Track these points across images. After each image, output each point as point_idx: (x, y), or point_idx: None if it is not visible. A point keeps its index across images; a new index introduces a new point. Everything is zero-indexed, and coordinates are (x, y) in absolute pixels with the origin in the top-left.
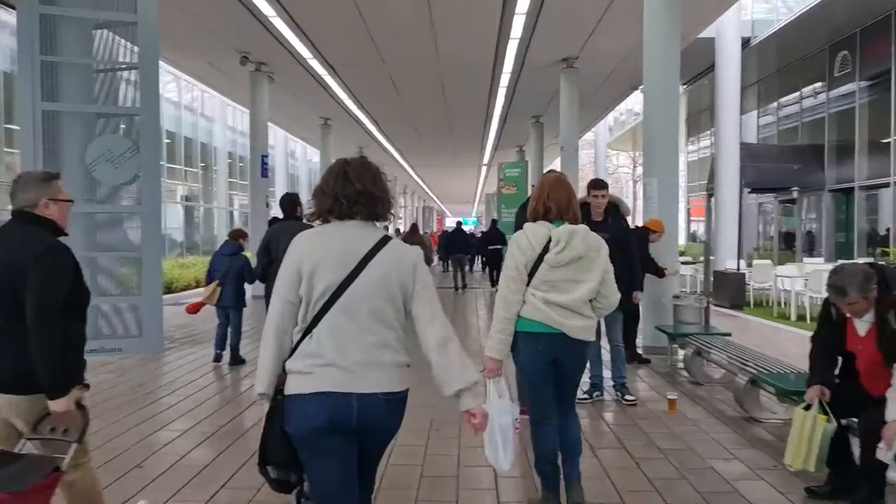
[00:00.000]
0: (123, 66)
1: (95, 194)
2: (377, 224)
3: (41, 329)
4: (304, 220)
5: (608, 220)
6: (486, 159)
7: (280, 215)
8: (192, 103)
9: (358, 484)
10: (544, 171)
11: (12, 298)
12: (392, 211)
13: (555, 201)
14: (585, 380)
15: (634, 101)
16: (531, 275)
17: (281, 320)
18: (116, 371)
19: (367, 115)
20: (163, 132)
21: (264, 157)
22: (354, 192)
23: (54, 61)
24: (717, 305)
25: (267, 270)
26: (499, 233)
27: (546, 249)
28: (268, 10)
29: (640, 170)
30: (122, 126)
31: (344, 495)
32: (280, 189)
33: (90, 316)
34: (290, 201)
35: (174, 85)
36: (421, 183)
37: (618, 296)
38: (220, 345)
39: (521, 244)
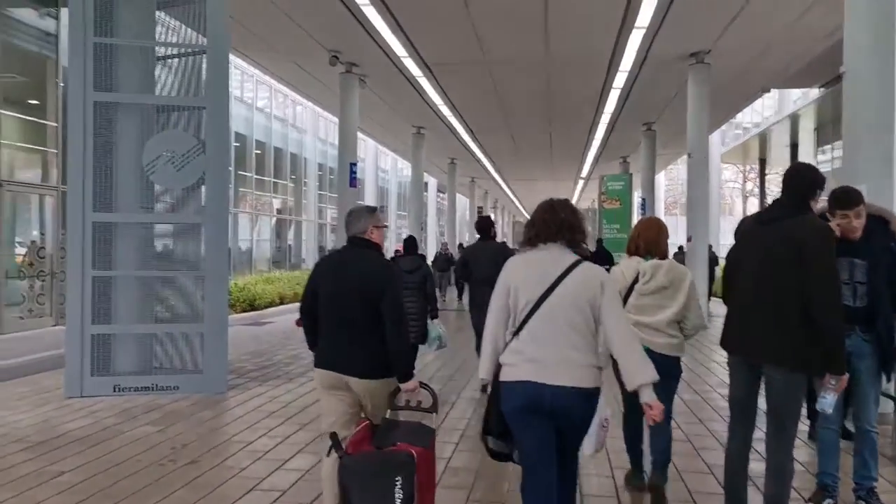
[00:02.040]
0: (189, 52)
1: (152, 201)
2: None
3: (398, 329)
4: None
5: (870, 239)
6: (584, 172)
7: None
8: (284, 113)
9: (559, 466)
10: (654, 182)
11: (369, 305)
12: (584, 239)
13: (644, 240)
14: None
15: (747, 112)
16: (625, 300)
17: (496, 325)
18: (160, 421)
19: (462, 122)
20: (251, 142)
21: (353, 165)
22: (559, 220)
23: (110, 44)
24: None
25: (466, 283)
26: (606, 253)
27: (636, 280)
28: None
29: (750, 185)
30: (185, 123)
31: (540, 466)
32: (369, 201)
33: (144, 347)
34: (486, 223)
35: (267, 94)
36: (512, 197)
37: (700, 320)
38: None
39: (616, 275)
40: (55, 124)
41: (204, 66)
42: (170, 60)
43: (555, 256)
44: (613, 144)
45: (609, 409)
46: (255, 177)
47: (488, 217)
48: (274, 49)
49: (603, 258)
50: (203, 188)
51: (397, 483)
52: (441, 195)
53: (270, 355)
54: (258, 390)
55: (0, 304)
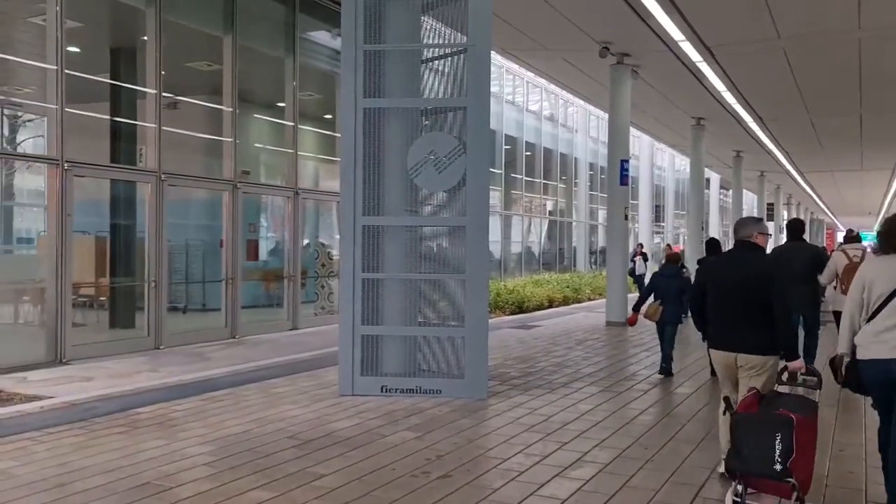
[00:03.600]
0: (451, 52)
1: (417, 204)
2: None
3: (786, 318)
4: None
5: None
6: None
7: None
8: (555, 113)
9: None
10: None
11: (759, 295)
12: None
13: None
14: None
15: None
16: None
17: (854, 312)
18: (420, 427)
19: (750, 109)
20: (522, 144)
21: (624, 161)
22: None
23: (378, 51)
24: None
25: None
26: None
27: None
28: None
29: None
30: (448, 124)
31: (883, 426)
32: (644, 201)
33: (409, 349)
34: (798, 225)
35: (538, 96)
36: (809, 191)
37: None
38: (667, 358)
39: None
40: None
41: (465, 65)
42: (433, 63)
43: None
44: None
45: None
46: (526, 179)
47: (801, 221)
48: (543, 46)
49: None
50: (464, 190)
51: (777, 437)
52: (724, 192)
53: (534, 361)
54: (519, 399)
55: (297, 301)
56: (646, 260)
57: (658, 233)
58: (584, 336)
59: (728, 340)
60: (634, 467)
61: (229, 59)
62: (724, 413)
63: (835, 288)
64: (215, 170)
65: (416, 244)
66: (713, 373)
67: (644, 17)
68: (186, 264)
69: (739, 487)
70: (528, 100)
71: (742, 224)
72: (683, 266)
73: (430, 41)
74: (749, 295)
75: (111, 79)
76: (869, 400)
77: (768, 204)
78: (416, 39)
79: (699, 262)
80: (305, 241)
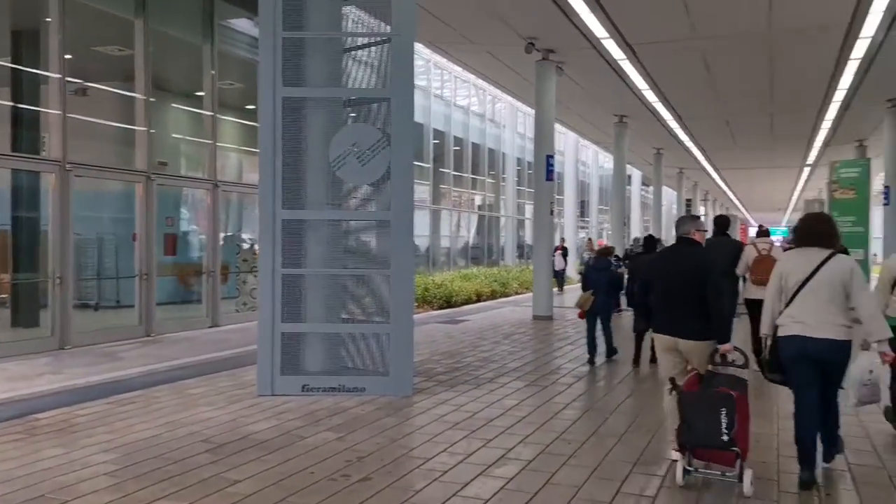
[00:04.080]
0: (374, 42)
1: (340, 198)
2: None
3: (718, 306)
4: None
5: None
6: (811, 158)
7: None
8: (483, 109)
9: (823, 403)
10: None
11: (696, 286)
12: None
13: None
14: None
15: None
16: (893, 287)
17: (775, 298)
18: (342, 427)
19: (670, 107)
20: (450, 138)
21: (550, 157)
22: (813, 233)
23: (298, 38)
24: None
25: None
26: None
27: None
28: None
29: None
30: (370, 116)
31: (805, 396)
32: (569, 196)
33: (332, 346)
34: (724, 221)
35: (465, 91)
36: (725, 188)
37: None
38: (593, 348)
39: (889, 266)
40: None
41: (389, 55)
42: (356, 53)
43: (815, 252)
44: (847, 126)
45: (872, 375)
46: (454, 173)
47: (727, 217)
48: (468, 40)
49: None
50: (389, 183)
51: (722, 412)
52: (645, 188)
53: (461, 357)
54: (444, 396)
55: (217, 297)
56: (565, 256)
57: (583, 227)
58: (511, 330)
59: (671, 327)
60: (558, 463)
61: (141, 45)
62: (671, 393)
63: (744, 280)
64: (128, 160)
65: (340, 239)
66: (653, 359)
67: (568, 13)
68: (98, 259)
69: (691, 462)
70: (456, 94)
71: (682, 222)
72: (625, 259)
73: (353, 30)
74: (689, 286)
75: (12, 62)
76: (780, 389)
77: (687, 200)
78: (339, 28)
79: (635, 256)
80: (246, 236)
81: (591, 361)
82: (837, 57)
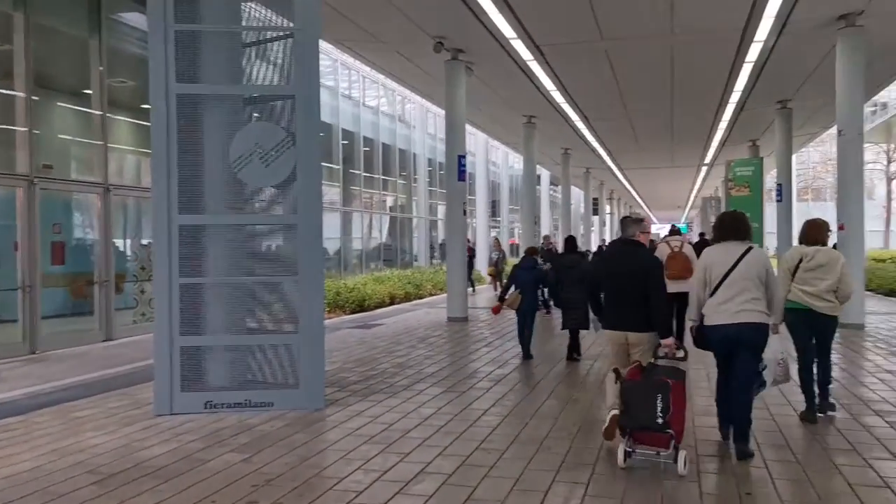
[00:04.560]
0: (276, 36)
1: (243, 201)
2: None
3: (660, 303)
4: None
5: None
6: (708, 158)
7: None
8: (392, 109)
9: (740, 375)
10: (798, 161)
11: (640, 284)
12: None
13: (805, 235)
14: None
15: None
16: (793, 275)
17: (699, 290)
18: (248, 447)
19: (577, 108)
20: (360, 138)
21: (461, 157)
22: (732, 229)
23: (192, 31)
24: None
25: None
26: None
27: (800, 261)
28: None
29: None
30: (274, 114)
31: (721, 377)
32: (481, 196)
33: (237, 359)
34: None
35: (375, 91)
36: (629, 187)
37: (849, 289)
38: (526, 343)
39: (787, 258)
40: None
41: (293, 51)
42: (258, 48)
43: (735, 246)
44: (742, 127)
45: (784, 356)
46: (365, 174)
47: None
48: (376, 38)
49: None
50: (295, 185)
51: (658, 397)
52: (554, 188)
53: (376, 363)
54: (358, 407)
55: (110, 308)
56: (472, 257)
57: (495, 227)
58: (426, 333)
59: (619, 321)
60: (478, 476)
61: (22, 39)
62: (616, 382)
63: None
64: (7, 163)
65: (244, 244)
66: (569, 356)
67: (477, 13)
68: None
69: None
70: (365, 95)
71: (626, 225)
72: (552, 254)
73: (254, 24)
74: (635, 284)
75: None
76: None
77: (594, 199)
78: (237, 21)
79: (558, 256)
80: (145, 242)
81: (528, 356)
82: (733, 60)
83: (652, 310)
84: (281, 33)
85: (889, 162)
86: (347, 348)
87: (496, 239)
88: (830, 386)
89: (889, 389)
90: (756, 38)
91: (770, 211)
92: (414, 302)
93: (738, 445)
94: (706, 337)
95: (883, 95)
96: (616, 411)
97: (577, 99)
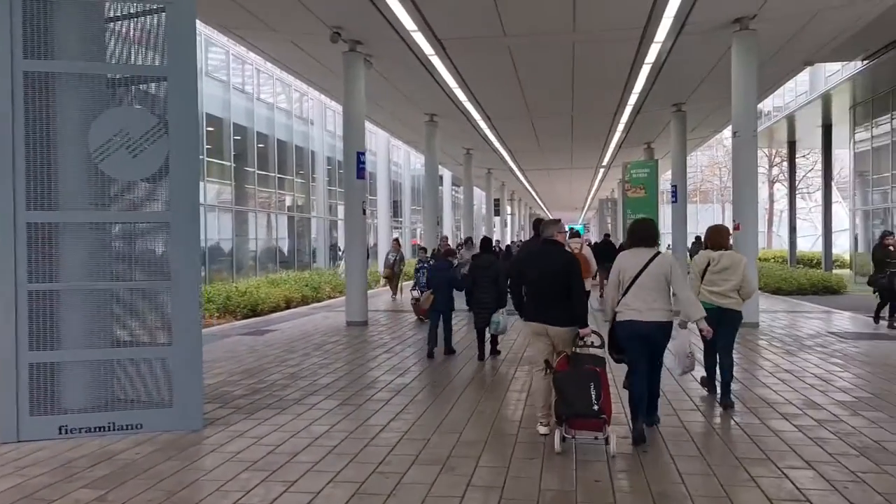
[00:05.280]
0: (146, 10)
1: (108, 196)
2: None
3: (580, 297)
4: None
5: None
6: (606, 159)
7: None
8: (289, 105)
9: (650, 369)
10: (687, 165)
11: (562, 280)
12: (658, 239)
13: (711, 240)
14: None
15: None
16: (702, 277)
17: (613, 290)
18: (104, 481)
19: (479, 107)
20: (254, 134)
21: (361, 154)
22: (642, 236)
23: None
24: None
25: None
26: (612, 248)
27: (709, 264)
28: None
29: (776, 170)
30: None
31: (638, 367)
32: (382, 197)
33: (99, 376)
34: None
35: (269, 86)
36: (529, 188)
37: (751, 287)
38: (433, 342)
39: (696, 261)
40: None
41: (165, 27)
42: (124, 23)
43: (644, 251)
44: (638, 129)
45: (691, 349)
46: (259, 172)
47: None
48: (269, 27)
49: (603, 252)
50: (168, 178)
51: (591, 385)
52: (455, 188)
53: (265, 374)
54: (241, 427)
55: None
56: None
57: (396, 228)
58: (323, 339)
59: (541, 315)
60: None
61: None
62: (546, 373)
63: None
64: None
65: (108, 246)
66: (480, 357)
67: (375, 2)
68: None
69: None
70: (260, 89)
71: (546, 226)
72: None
73: None
74: (556, 281)
75: None
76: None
77: (495, 200)
78: None
79: (473, 257)
80: None
81: (430, 355)
82: (633, 60)
83: (574, 303)
84: (151, 6)
85: (771, 166)
86: (235, 357)
87: (396, 240)
88: (732, 384)
89: (791, 390)
90: (656, 39)
91: (665, 212)
92: (312, 305)
93: (649, 417)
94: (617, 333)
95: (766, 104)
96: (551, 402)
97: (479, 97)
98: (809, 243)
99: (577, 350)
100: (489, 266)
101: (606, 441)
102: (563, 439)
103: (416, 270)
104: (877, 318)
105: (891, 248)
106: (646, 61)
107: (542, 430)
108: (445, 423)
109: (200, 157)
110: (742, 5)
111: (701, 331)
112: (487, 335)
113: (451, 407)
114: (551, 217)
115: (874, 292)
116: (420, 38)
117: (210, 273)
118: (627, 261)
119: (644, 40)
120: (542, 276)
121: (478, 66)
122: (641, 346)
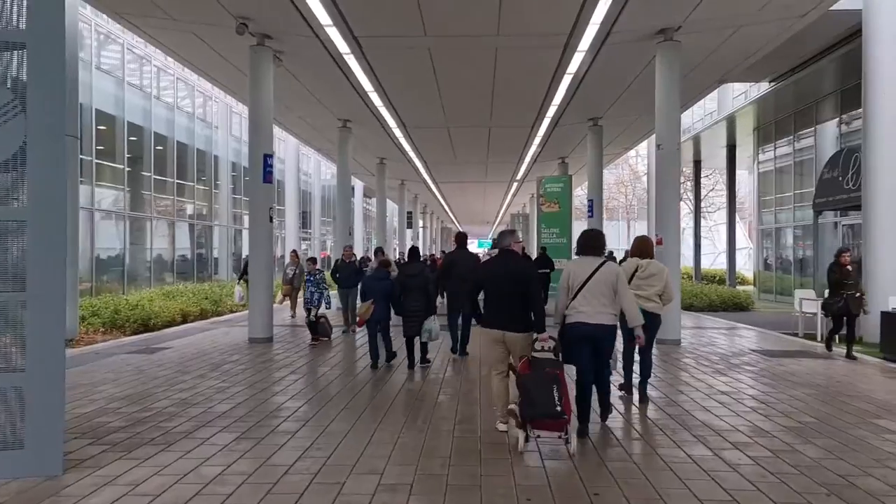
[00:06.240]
0: None
1: None
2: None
3: (538, 304)
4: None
5: None
6: (520, 174)
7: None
8: (191, 107)
9: (595, 369)
10: (601, 183)
11: (519, 288)
12: (606, 248)
13: (640, 250)
14: None
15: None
16: (630, 281)
17: (563, 295)
18: None
19: (395, 114)
20: (150, 134)
21: (268, 157)
22: (590, 245)
23: None
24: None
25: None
26: (548, 259)
27: (636, 271)
28: None
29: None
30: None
31: (584, 369)
32: (291, 206)
33: None
34: (464, 238)
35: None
36: (442, 201)
37: (672, 294)
38: (375, 354)
39: (625, 267)
40: None
41: None
42: None
43: (591, 260)
44: (554, 143)
45: (615, 354)
46: (157, 177)
47: (465, 233)
48: (167, 14)
49: (542, 264)
50: (26, 167)
51: (554, 388)
52: (367, 199)
53: (152, 400)
54: (113, 469)
55: None
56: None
57: (305, 239)
58: (222, 358)
59: (498, 322)
60: None
61: None
62: (507, 376)
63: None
64: None
65: None
66: (410, 366)
67: None
68: None
69: (528, 431)
70: (160, 88)
71: (503, 236)
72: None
73: None
74: (514, 289)
75: None
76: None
77: (408, 212)
78: None
79: (402, 265)
80: None
81: (375, 366)
82: (555, 69)
83: (533, 309)
84: None
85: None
86: (118, 380)
87: (294, 252)
88: (649, 380)
89: (733, 414)
90: (580, 48)
91: (581, 226)
92: (212, 320)
93: (603, 413)
94: (567, 333)
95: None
96: (514, 405)
97: (395, 102)
98: (709, 261)
99: (535, 355)
100: (418, 274)
101: (567, 441)
102: (527, 439)
103: (306, 282)
104: (829, 346)
105: (848, 267)
106: (567, 71)
107: (502, 427)
108: (363, 461)
109: (89, 158)
110: (668, 16)
111: (637, 337)
112: (417, 343)
113: (370, 439)
114: (460, 230)
115: (826, 315)
116: (335, 34)
117: (97, 284)
118: (576, 267)
119: (568, 48)
120: (500, 285)
121: (395, 68)
122: (588, 347)
